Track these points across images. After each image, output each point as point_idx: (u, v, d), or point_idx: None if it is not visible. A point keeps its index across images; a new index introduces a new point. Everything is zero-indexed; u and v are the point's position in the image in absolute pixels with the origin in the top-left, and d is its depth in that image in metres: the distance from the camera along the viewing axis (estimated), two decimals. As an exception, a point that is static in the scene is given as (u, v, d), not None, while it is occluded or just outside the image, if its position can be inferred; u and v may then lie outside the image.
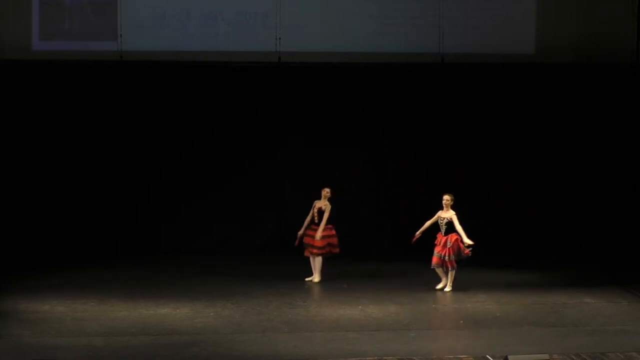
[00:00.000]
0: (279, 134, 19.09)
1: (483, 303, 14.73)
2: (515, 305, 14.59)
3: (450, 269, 15.36)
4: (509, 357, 10.91)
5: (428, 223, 15.51)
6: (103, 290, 15.36)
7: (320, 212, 15.94)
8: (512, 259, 18.14)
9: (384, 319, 13.77)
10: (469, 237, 15.31)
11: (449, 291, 15.36)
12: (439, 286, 15.48)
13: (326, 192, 16.01)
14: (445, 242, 15.33)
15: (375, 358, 11.65)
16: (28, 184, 18.68)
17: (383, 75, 19.27)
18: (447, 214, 15.33)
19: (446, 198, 15.39)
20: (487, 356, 11.60)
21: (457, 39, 19.11)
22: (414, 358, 11.66)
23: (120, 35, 18.59)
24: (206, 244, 18.93)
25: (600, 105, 19.59)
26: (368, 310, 14.28)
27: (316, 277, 16.02)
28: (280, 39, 18.84)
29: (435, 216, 15.47)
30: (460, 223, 15.38)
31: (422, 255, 18.28)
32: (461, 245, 15.26)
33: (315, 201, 16.05)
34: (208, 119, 18.94)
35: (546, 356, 11.10)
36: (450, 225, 15.30)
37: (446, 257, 15.31)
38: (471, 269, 17.26)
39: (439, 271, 15.52)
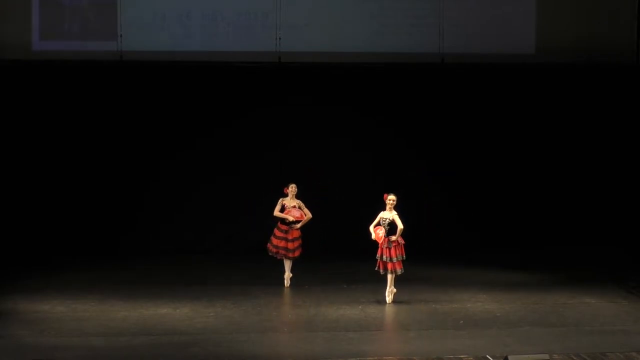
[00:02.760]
0: (279, 134, 19.08)
1: (483, 303, 14.72)
2: (515, 305, 14.59)
3: (390, 271, 14.59)
4: (509, 357, 10.92)
5: (372, 226, 14.75)
6: (103, 290, 15.36)
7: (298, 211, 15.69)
8: (512, 259, 18.13)
9: (384, 319, 13.77)
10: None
11: (393, 294, 14.62)
12: (389, 299, 14.68)
13: (294, 189, 15.73)
14: (387, 242, 14.60)
15: (375, 358, 11.65)
16: (28, 184, 18.68)
17: (383, 75, 19.27)
18: (390, 214, 14.64)
19: (392, 198, 14.66)
20: (487, 356, 11.60)
21: (457, 39, 19.11)
22: (414, 358, 11.67)
23: (120, 35, 18.59)
24: (206, 244, 18.93)
25: (601, 105, 19.59)
26: (368, 310, 14.28)
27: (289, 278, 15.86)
28: (280, 39, 18.84)
29: (378, 218, 14.77)
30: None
31: (423, 256, 18.34)
32: (400, 248, 14.59)
33: (284, 199, 15.74)
34: (208, 119, 18.94)
35: (546, 356, 11.10)
36: (392, 225, 14.58)
37: (385, 259, 14.59)
38: (471, 269, 17.29)
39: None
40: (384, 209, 14.73)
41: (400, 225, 14.52)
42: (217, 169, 18.99)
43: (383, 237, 14.67)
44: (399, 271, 14.65)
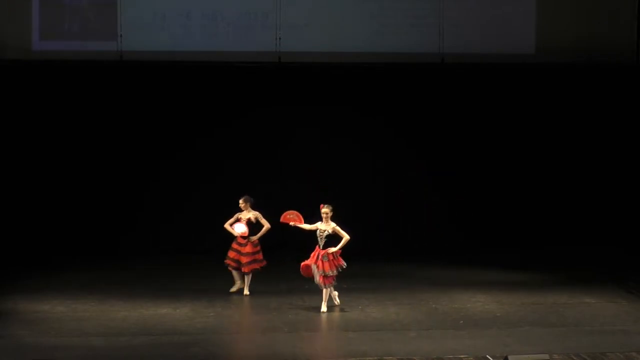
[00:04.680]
0: (279, 134, 19.09)
1: (483, 303, 14.72)
2: (515, 305, 14.59)
3: (325, 285, 14.05)
4: (509, 357, 10.91)
5: (307, 227, 14.22)
6: (103, 290, 15.37)
7: (250, 224, 15.12)
8: (512, 259, 18.13)
9: (384, 319, 13.77)
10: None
11: (324, 312, 14.02)
12: (323, 308, 14.12)
13: (244, 203, 15.17)
14: (323, 256, 14.00)
15: (375, 358, 11.66)
16: (28, 184, 18.69)
17: (383, 75, 19.27)
18: (328, 226, 13.98)
19: (325, 211, 13.97)
20: (487, 356, 11.60)
21: (457, 39, 19.12)
22: (414, 358, 11.67)
23: (120, 35, 18.60)
24: (206, 244, 18.92)
25: (601, 105, 19.60)
26: (368, 310, 14.28)
27: (246, 290, 15.21)
28: (280, 39, 18.84)
29: (314, 226, 14.15)
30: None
31: (423, 256, 18.35)
32: (336, 261, 14.02)
33: (239, 213, 15.20)
34: (208, 119, 18.95)
35: (546, 356, 11.10)
36: (330, 237, 13.97)
37: (321, 273, 14.00)
38: (471, 269, 17.30)
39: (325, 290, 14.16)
40: (321, 220, 14.08)
41: (346, 236, 13.97)
42: (217, 169, 18.99)
43: (320, 250, 14.08)
44: (327, 286, 14.08)
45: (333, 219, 14.08)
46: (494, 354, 11.64)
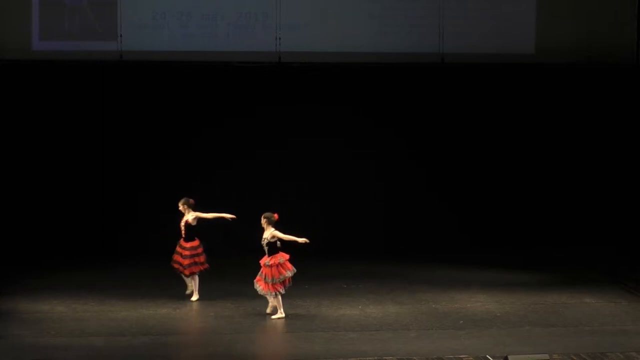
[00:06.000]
0: (279, 134, 19.08)
1: (483, 303, 14.73)
2: (515, 305, 14.59)
3: (272, 293, 13.80)
4: (509, 357, 10.93)
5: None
6: (103, 290, 15.37)
7: (188, 227, 15.18)
8: (512, 259, 18.13)
9: (384, 319, 13.78)
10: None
11: (280, 317, 13.78)
12: (268, 310, 14.00)
13: (181, 205, 15.15)
14: (265, 263, 13.88)
15: (375, 358, 11.67)
16: (28, 184, 18.68)
17: (383, 75, 19.26)
18: (266, 234, 13.83)
19: (262, 221, 13.94)
20: (487, 356, 11.61)
21: (457, 39, 19.11)
22: (414, 358, 11.68)
23: (120, 35, 18.60)
24: (206, 244, 18.89)
25: (601, 105, 19.59)
26: (368, 310, 14.29)
27: (195, 296, 15.05)
28: (280, 39, 18.84)
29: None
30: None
31: (422, 256, 18.35)
32: (282, 270, 13.74)
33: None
34: (208, 119, 18.93)
35: (546, 356, 11.11)
36: (271, 245, 13.81)
37: (267, 280, 13.77)
38: (471, 269, 17.29)
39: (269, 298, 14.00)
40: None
41: (291, 238, 13.72)
42: (217, 169, 18.99)
43: (267, 257, 13.89)
44: (273, 293, 13.79)
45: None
46: (494, 354, 11.64)
